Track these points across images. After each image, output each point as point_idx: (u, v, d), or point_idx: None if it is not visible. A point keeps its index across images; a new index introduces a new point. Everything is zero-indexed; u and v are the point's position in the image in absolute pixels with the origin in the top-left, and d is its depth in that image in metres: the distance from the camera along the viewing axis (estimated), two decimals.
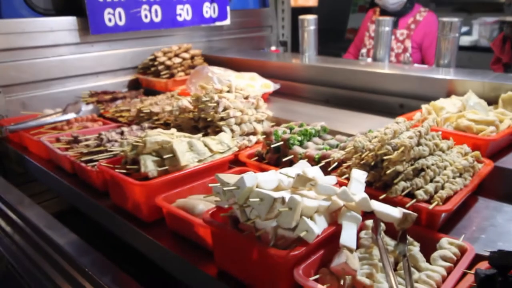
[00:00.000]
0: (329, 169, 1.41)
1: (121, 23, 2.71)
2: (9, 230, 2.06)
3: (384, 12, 3.39)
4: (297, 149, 1.59)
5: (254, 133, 1.89)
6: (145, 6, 2.81)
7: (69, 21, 2.56)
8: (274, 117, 2.07)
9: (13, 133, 2.14)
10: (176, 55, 2.90)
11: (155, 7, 2.86)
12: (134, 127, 1.92)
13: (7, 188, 2.03)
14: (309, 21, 2.80)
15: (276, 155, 1.64)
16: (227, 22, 3.38)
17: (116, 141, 1.71)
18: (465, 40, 5.28)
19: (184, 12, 3.03)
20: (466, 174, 1.28)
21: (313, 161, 1.51)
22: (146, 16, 2.83)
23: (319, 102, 2.47)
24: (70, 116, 2.25)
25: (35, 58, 2.47)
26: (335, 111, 2.30)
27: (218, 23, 3.32)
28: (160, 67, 2.80)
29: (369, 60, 2.76)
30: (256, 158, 1.69)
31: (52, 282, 1.69)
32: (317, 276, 0.97)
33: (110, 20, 2.64)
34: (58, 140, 1.91)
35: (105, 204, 1.54)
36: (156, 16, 2.88)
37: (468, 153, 1.36)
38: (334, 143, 1.64)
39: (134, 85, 2.95)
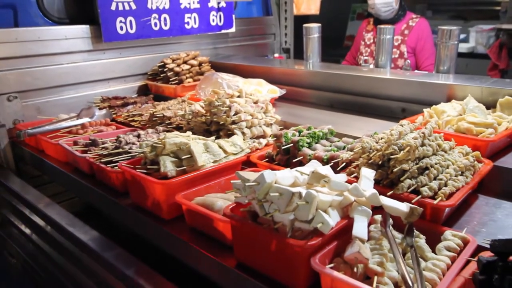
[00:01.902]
0: (338, 168, 1.50)
1: (132, 31, 2.81)
2: (26, 230, 2.14)
3: (377, 20, 3.53)
4: (306, 150, 1.67)
5: (263, 136, 1.98)
6: (155, 15, 2.91)
7: (82, 29, 2.66)
8: (282, 120, 2.16)
9: (30, 137, 2.23)
10: (185, 62, 2.99)
11: (164, 15, 2.96)
12: (150, 130, 2.00)
13: (25, 188, 2.11)
14: (313, 29, 2.90)
15: (286, 157, 1.72)
16: (232, 30, 3.48)
17: (133, 143, 1.80)
18: (462, 47, 5.40)
19: (191, 21, 3.14)
20: (467, 172, 1.37)
21: (322, 162, 1.59)
22: (155, 25, 2.93)
23: (323, 107, 2.56)
24: (85, 120, 2.34)
25: (49, 65, 2.56)
26: (340, 115, 2.39)
27: (224, 31, 3.42)
28: (169, 74, 2.89)
29: (371, 66, 2.86)
30: (267, 159, 1.77)
31: (71, 279, 1.77)
32: (332, 265, 1.05)
33: (121, 28, 2.74)
34: (75, 143, 1.99)
35: (125, 203, 1.62)
36: (165, 24, 2.98)
37: (469, 153, 1.45)
38: (341, 145, 1.72)
39: (143, 91, 3.05)
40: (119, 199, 1.65)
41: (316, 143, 1.77)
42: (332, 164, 1.54)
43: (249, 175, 1.16)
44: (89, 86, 2.77)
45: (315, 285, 1.07)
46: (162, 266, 1.56)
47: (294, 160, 1.66)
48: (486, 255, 1.02)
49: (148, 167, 1.54)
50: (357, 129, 2.07)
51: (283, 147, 1.70)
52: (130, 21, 2.79)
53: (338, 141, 1.78)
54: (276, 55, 4.00)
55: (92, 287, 1.64)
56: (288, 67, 2.90)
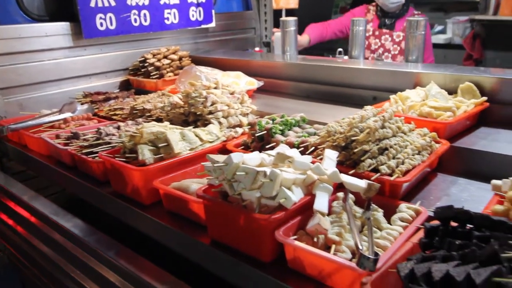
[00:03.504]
0: (307, 152, 1.59)
1: (112, 27, 2.86)
2: (10, 222, 2.19)
3: (382, 11, 3.40)
4: (279, 137, 1.77)
5: (240, 125, 2.07)
6: (135, 11, 2.97)
7: (62, 26, 2.70)
8: (258, 111, 2.24)
9: (12, 132, 2.28)
10: (165, 57, 3.06)
11: (144, 11, 3.02)
12: (130, 122, 2.08)
13: (9, 182, 2.17)
14: (290, 23, 2.99)
15: (260, 144, 1.81)
16: (212, 24, 3.55)
17: (113, 134, 1.87)
18: (440, 38, 5.54)
19: (171, 16, 3.20)
20: (424, 152, 1.48)
21: (293, 147, 1.69)
22: (135, 21, 2.98)
23: (300, 97, 2.66)
24: (67, 115, 2.40)
25: (31, 62, 2.61)
26: (315, 104, 2.48)
27: (204, 26, 3.49)
28: (150, 68, 2.96)
29: (345, 57, 2.96)
30: (243, 147, 1.86)
31: (57, 268, 1.84)
32: (295, 237, 1.15)
33: (101, 24, 2.80)
34: (57, 136, 2.06)
35: (106, 191, 1.69)
36: (145, 20, 3.04)
37: (426, 134, 1.56)
38: (312, 131, 1.82)
39: (125, 86, 3.10)
40: (100, 187, 1.73)
41: (289, 130, 1.86)
42: (302, 148, 1.63)
43: (219, 157, 1.24)
44: (71, 82, 2.82)
45: (281, 256, 1.16)
46: (150, 253, 1.63)
47: (267, 147, 1.75)
48: (434, 223, 1.12)
49: (127, 155, 1.61)
50: (330, 116, 2.16)
51: (257, 135, 1.79)
52: (110, 18, 2.85)
53: (310, 127, 1.88)
54: (257, 49, 4.08)
55: (78, 273, 1.71)
56: (266, 60, 2.98)
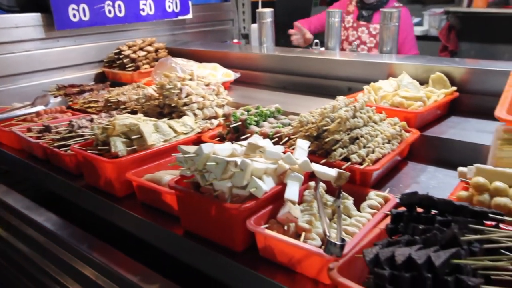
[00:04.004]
0: (281, 143, 1.61)
1: (86, 18, 2.81)
2: None
3: (361, 3, 3.38)
4: (254, 128, 1.77)
5: (215, 117, 2.06)
6: (109, 2, 2.91)
7: (33, 18, 2.64)
8: (235, 102, 2.24)
9: None
10: (141, 49, 3.02)
11: (118, 2, 2.97)
12: (103, 114, 2.05)
13: None
14: (266, 14, 2.99)
15: (235, 135, 1.82)
16: (189, 16, 3.52)
17: (86, 127, 1.84)
18: (417, 30, 5.60)
19: (147, 7, 3.15)
20: (394, 141, 1.51)
21: (268, 138, 1.69)
22: (109, 12, 2.93)
23: (277, 89, 2.67)
24: (39, 108, 2.35)
25: (1, 54, 2.54)
26: (291, 96, 2.50)
27: (180, 17, 3.45)
28: (126, 60, 2.92)
29: (322, 49, 2.98)
30: (218, 138, 1.86)
31: (31, 263, 1.82)
32: (266, 225, 1.16)
33: (74, 15, 2.74)
34: (29, 129, 2.01)
35: (80, 185, 1.67)
36: (120, 11, 2.99)
37: (396, 123, 1.59)
38: (287, 122, 1.83)
39: (100, 79, 3.05)
40: (73, 181, 1.70)
41: (264, 121, 1.87)
42: (276, 139, 1.65)
43: (191, 148, 1.24)
44: (44, 75, 2.76)
45: (253, 245, 1.17)
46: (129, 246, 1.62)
47: (242, 138, 1.75)
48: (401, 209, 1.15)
49: (100, 148, 1.60)
50: (305, 107, 2.17)
51: (231, 126, 1.79)
52: (83, 9, 2.79)
53: (285, 118, 1.89)
54: (235, 40, 4.06)
55: (52, 268, 1.69)
56: (243, 52, 2.98)
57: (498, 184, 1.14)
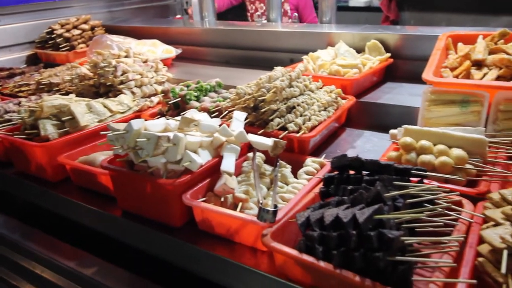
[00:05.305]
0: (221, 116, 1.59)
1: None
2: None
3: None
4: (194, 103, 1.74)
5: (155, 94, 2.00)
6: None
7: None
8: (177, 79, 2.18)
9: None
10: (75, 27, 2.85)
11: None
12: (33, 97, 1.93)
13: None
14: None
15: (176, 112, 1.78)
16: None
17: (14, 111, 1.73)
18: (360, 2, 5.71)
19: None
20: (330, 108, 1.53)
21: (208, 112, 1.67)
22: None
23: (220, 64, 2.63)
24: None
25: None
26: (235, 70, 2.47)
27: None
28: (59, 40, 2.75)
29: (264, 21, 2.96)
30: (159, 116, 1.81)
31: None
32: (203, 198, 1.15)
33: None
34: None
35: (10, 172, 1.58)
36: None
37: (332, 91, 1.61)
38: (227, 96, 1.81)
39: (33, 61, 2.87)
40: (3, 169, 1.61)
41: (205, 96, 1.84)
42: (217, 113, 1.62)
43: (121, 126, 1.20)
44: None
45: (191, 220, 1.16)
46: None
47: (182, 114, 1.72)
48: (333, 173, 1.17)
49: (28, 132, 1.51)
50: (248, 80, 2.13)
51: (171, 102, 1.75)
52: None
53: (226, 92, 1.86)
54: (178, 16, 3.94)
55: None
56: (184, 27, 2.89)
57: (423, 142, 1.19)
